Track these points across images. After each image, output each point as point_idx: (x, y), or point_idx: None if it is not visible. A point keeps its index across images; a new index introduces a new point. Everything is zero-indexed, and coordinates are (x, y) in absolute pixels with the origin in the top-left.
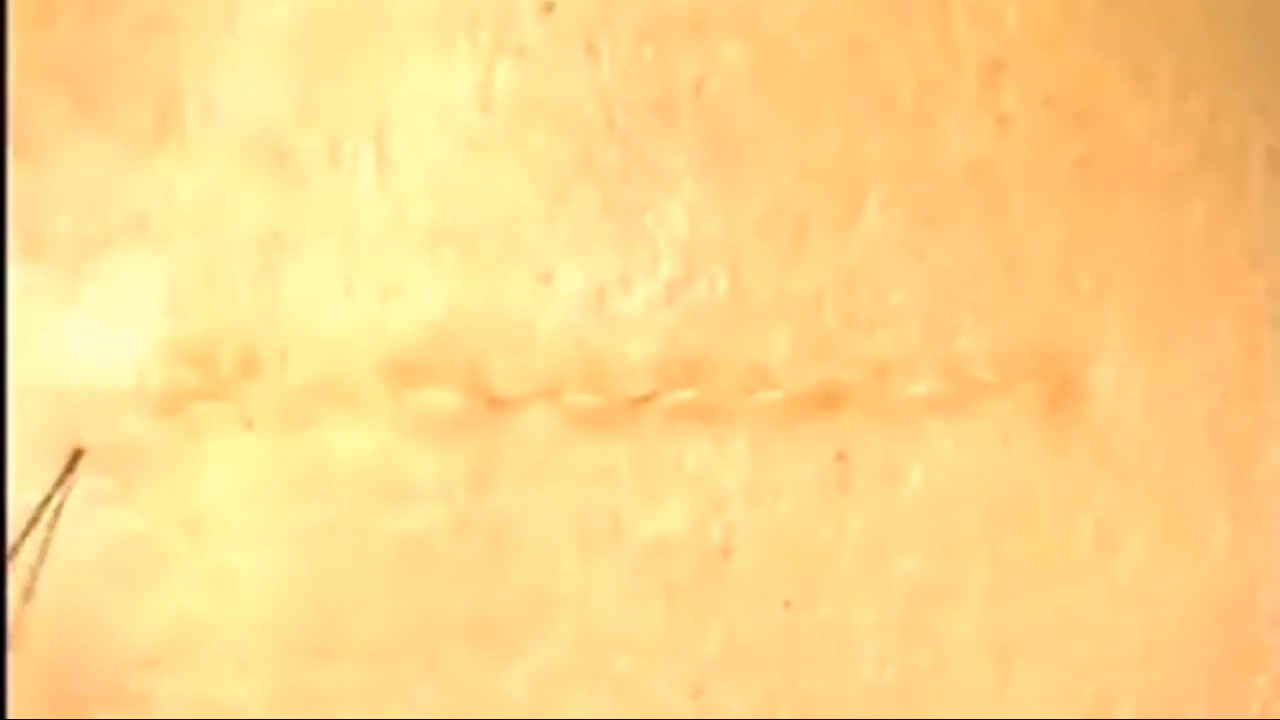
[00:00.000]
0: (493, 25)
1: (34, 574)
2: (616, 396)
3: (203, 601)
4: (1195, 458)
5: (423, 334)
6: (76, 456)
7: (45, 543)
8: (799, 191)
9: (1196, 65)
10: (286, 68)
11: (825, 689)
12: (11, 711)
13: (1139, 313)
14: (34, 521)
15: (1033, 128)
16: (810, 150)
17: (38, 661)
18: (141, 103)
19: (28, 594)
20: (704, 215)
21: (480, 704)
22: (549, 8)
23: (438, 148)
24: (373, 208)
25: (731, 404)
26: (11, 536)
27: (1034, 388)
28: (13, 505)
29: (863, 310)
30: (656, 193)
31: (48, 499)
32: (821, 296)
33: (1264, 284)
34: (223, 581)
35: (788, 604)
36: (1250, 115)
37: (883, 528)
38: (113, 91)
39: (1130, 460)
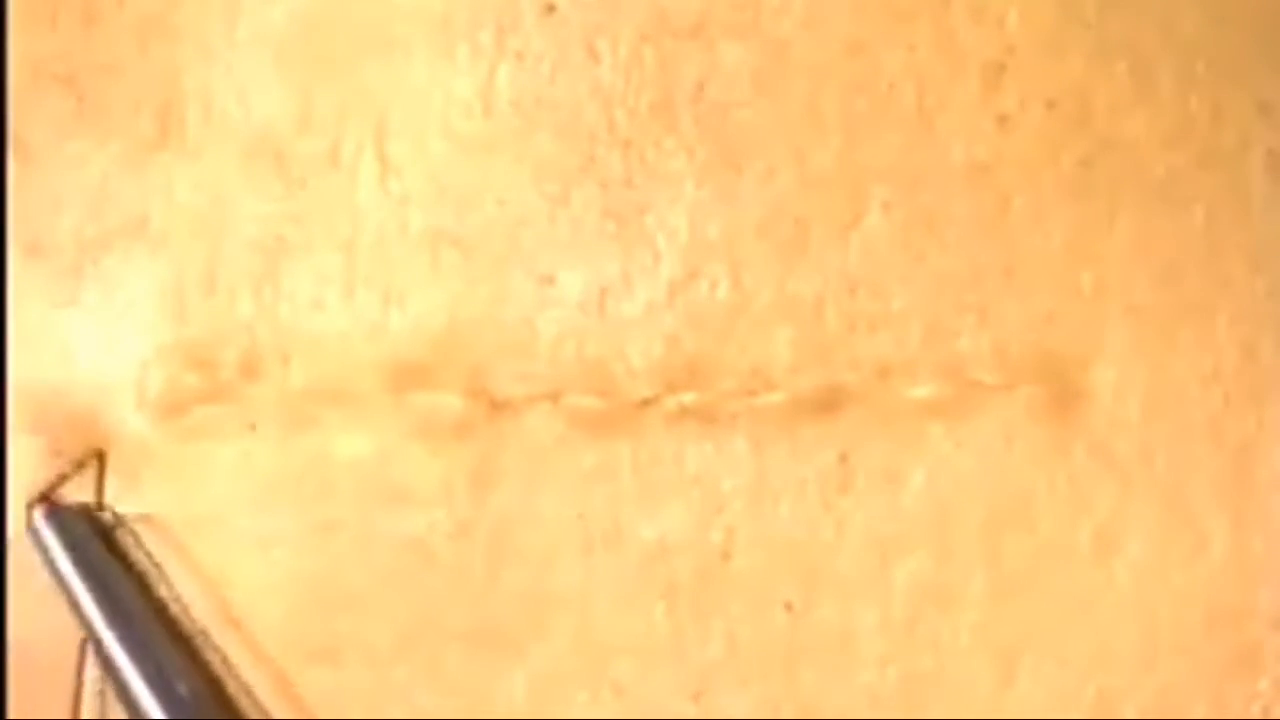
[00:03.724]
0: (493, 28)
1: None
2: (618, 399)
3: (205, 604)
4: (1196, 459)
5: (424, 337)
6: (102, 459)
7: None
8: (800, 194)
9: (1197, 68)
10: (287, 71)
11: (826, 691)
12: (11, 711)
13: (1140, 314)
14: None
15: (1034, 129)
16: (811, 153)
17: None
18: (143, 106)
19: None
20: (705, 217)
21: (481, 706)
22: (550, 10)
23: (438, 150)
24: (373, 211)
25: (733, 406)
26: (11, 532)
27: (1035, 390)
28: (15, 503)
29: (864, 313)
30: (658, 195)
31: (99, 505)
32: (823, 299)
33: (1264, 285)
34: (225, 583)
35: (789, 606)
36: (1251, 117)
37: (884, 530)
38: (114, 95)
39: (1131, 462)
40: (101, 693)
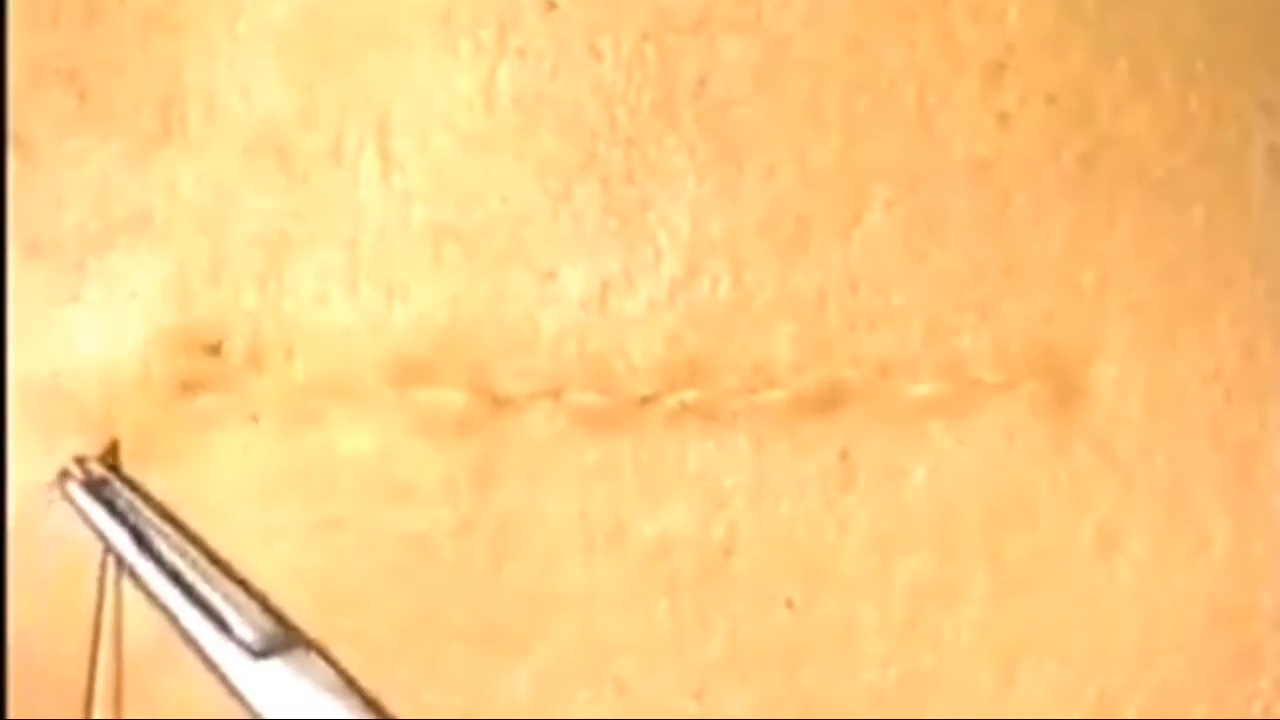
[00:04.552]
0: (495, 25)
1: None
2: (619, 396)
3: None
4: (1197, 457)
5: (426, 333)
6: (116, 448)
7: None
8: (801, 191)
9: (1197, 64)
10: (289, 66)
11: (827, 690)
12: (11, 711)
13: (1140, 312)
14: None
15: (1034, 127)
16: (812, 150)
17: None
18: (145, 102)
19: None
20: (706, 214)
21: (483, 703)
22: (551, 7)
23: (440, 146)
24: (376, 206)
25: (734, 404)
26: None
27: (1036, 387)
28: (22, 496)
29: (865, 310)
30: (659, 192)
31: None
32: (824, 296)
33: (1265, 284)
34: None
35: (790, 604)
36: (1251, 114)
37: (885, 527)
38: (116, 91)
39: (1132, 460)
40: (116, 689)
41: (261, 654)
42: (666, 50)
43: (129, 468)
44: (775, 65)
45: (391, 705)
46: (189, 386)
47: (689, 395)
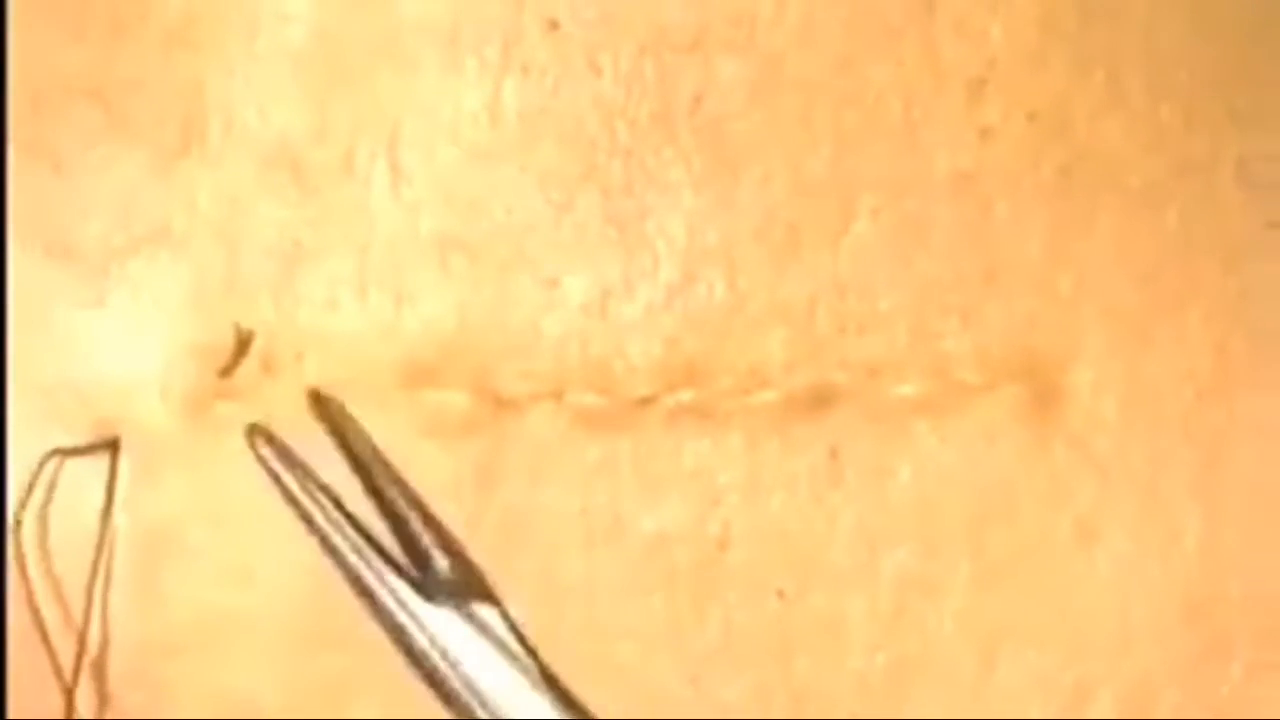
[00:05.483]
0: (500, 43)
1: (95, 564)
2: (619, 397)
3: (223, 593)
4: (1170, 455)
5: (433, 338)
6: (116, 447)
7: (102, 533)
8: (793, 202)
9: (1171, 79)
10: (304, 84)
11: (817, 676)
12: (11, 711)
13: (1117, 316)
14: (106, 514)
15: (1015, 140)
16: (804, 163)
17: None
18: (167, 117)
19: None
20: (702, 224)
21: None
22: (554, 26)
23: (448, 159)
24: (386, 217)
25: (729, 404)
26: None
27: (1016, 388)
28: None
29: (853, 315)
30: (657, 202)
31: (109, 495)
32: (814, 302)
33: (1235, 287)
34: (242, 574)
35: (781, 594)
36: (1222, 126)
37: (873, 522)
38: (140, 106)
39: (1108, 457)
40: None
41: (443, 597)
42: (664, 67)
43: (146, 473)
44: (768, 82)
45: (400, 693)
46: (207, 394)
47: (686, 396)
